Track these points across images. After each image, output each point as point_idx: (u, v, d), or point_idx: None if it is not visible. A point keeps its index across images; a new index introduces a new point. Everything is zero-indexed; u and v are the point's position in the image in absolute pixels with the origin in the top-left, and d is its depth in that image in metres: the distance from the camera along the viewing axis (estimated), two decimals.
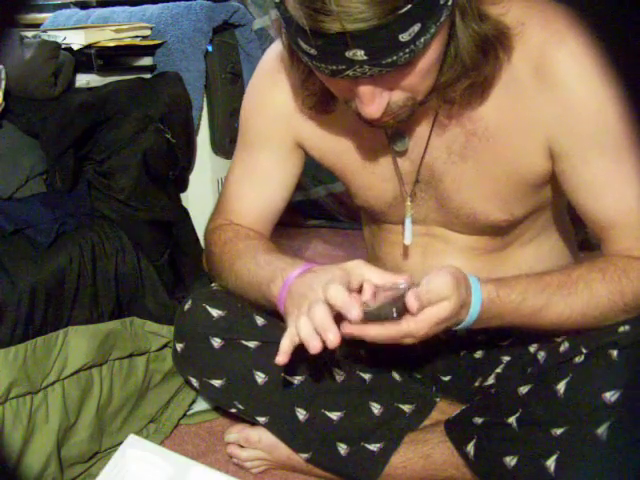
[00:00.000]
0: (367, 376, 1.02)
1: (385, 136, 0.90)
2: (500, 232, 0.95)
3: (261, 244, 0.97)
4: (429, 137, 0.88)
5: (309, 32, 0.66)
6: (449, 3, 0.69)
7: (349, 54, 0.67)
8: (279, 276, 0.87)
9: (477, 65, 0.76)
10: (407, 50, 0.67)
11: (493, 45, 0.76)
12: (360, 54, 0.66)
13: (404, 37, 0.66)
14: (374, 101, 0.73)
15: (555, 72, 0.78)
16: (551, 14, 0.80)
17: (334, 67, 0.69)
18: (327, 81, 0.78)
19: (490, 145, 0.85)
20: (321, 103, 0.90)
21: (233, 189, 1.05)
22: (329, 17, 0.64)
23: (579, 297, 0.82)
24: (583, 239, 1.05)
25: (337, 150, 0.96)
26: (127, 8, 1.52)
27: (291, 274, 0.85)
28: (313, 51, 0.69)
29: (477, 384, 1.02)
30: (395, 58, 0.67)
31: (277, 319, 0.97)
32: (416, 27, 0.65)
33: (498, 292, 0.82)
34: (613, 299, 0.82)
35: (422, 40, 0.67)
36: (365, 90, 0.72)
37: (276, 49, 0.97)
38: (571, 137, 0.81)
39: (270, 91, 0.97)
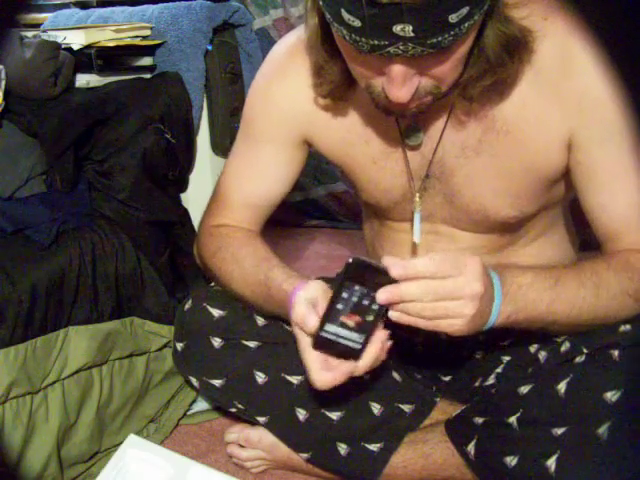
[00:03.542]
0: (367, 376, 1.02)
1: (398, 130, 0.90)
2: (507, 229, 0.95)
3: (248, 258, 0.96)
4: (443, 131, 0.88)
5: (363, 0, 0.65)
6: None
7: (396, 29, 0.65)
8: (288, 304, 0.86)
9: (500, 63, 0.77)
10: (452, 32, 0.67)
11: (516, 45, 0.77)
12: (408, 30, 0.65)
13: (453, 18, 0.65)
14: (405, 84, 0.72)
15: (579, 63, 0.80)
16: (570, 11, 0.81)
17: (375, 42, 0.67)
18: (356, 60, 0.76)
19: (508, 139, 0.85)
20: (337, 89, 0.89)
21: (231, 180, 1.04)
22: None
23: (589, 279, 0.81)
24: (583, 240, 1.05)
25: (347, 143, 0.95)
26: (127, 8, 1.52)
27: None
28: (357, 22, 0.67)
29: (477, 384, 1.02)
30: (440, 39, 0.67)
31: (278, 320, 0.97)
32: (464, 10, 0.66)
33: (510, 270, 0.81)
34: (621, 285, 0.81)
35: (466, 25, 0.67)
36: (398, 71, 0.71)
37: (285, 43, 0.96)
38: (591, 127, 0.82)
39: (279, 86, 0.96)
